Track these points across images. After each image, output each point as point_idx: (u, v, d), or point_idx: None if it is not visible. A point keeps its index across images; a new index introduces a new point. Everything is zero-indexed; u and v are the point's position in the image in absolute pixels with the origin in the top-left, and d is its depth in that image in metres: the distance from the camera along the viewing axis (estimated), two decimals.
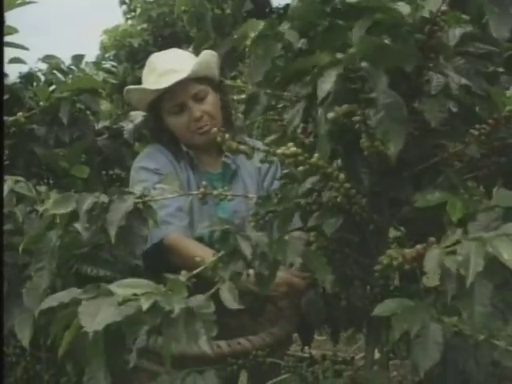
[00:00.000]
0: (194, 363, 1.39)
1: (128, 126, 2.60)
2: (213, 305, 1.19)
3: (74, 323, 1.13)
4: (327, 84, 1.22)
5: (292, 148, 1.34)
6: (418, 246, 1.15)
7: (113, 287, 1.17)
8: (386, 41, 1.26)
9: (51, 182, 2.51)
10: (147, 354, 1.39)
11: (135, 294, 1.14)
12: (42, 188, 1.77)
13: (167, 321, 1.14)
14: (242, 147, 1.41)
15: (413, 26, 1.26)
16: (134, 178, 2.17)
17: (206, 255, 1.36)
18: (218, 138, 1.41)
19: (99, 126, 2.66)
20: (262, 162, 1.40)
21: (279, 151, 1.34)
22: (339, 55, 1.25)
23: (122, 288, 1.16)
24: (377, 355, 1.49)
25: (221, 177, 2.22)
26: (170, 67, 2.17)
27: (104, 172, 2.71)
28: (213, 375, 1.36)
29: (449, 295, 1.06)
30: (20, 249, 1.49)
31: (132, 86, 2.27)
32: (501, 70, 1.42)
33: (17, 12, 2.32)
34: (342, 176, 1.35)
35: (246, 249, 1.27)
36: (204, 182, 1.52)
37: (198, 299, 1.19)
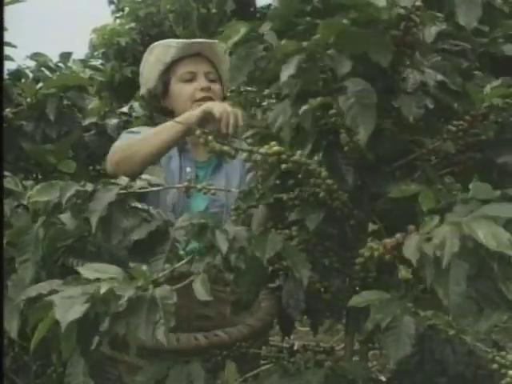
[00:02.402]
0: (171, 356, 1.40)
1: (112, 122, 2.64)
2: (175, 296, 1.20)
3: (48, 315, 1.14)
4: (289, 70, 1.23)
5: (275, 147, 1.35)
6: (398, 235, 1.17)
7: (81, 269, 1.20)
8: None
9: (39, 176, 2.53)
10: (126, 347, 1.42)
11: (98, 279, 1.16)
12: (29, 183, 1.79)
13: (130, 308, 1.16)
14: (225, 148, 1.42)
15: (389, 23, 1.27)
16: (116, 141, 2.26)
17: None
18: (201, 140, 1.42)
19: (86, 122, 2.69)
20: (245, 161, 1.42)
21: (262, 150, 1.36)
22: (304, 43, 1.24)
23: (90, 271, 1.19)
24: (358, 346, 1.52)
25: (205, 166, 2.27)
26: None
27: (91, 167, 2.73)
28: (199, 366, 1.38)
29: (428, 279, 1.07)
30: (4, 241, 1.51)
31: (158, 42, 2.38)
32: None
33: (6, 10, 2.34)
34: (324, 173, 1.36)
35: (223, 243, 1.28)
36: (188, 177, 1.54)
37: (163, 289, 1.21)
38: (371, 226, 1.43)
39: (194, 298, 1.78)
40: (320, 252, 1.46)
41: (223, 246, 1.28)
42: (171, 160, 2.24)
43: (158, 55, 2.29)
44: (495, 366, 1.07)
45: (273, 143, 1.37)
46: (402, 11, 1.27)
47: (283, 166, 1.37)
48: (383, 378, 2.01)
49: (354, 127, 1.23)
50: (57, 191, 1.39)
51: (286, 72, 1.23)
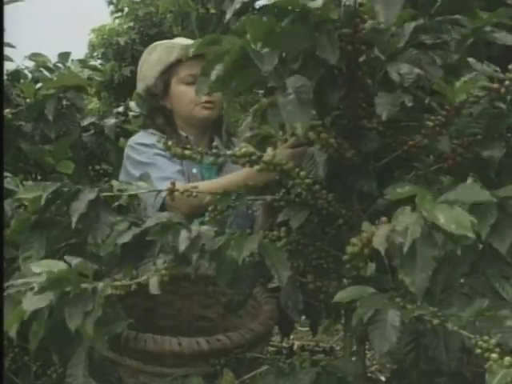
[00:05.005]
0: (173, 360, 1.40)
1: (109, 122, 2.64)
2: (109, 289, 1.26)
3: (18, 308, 1.23)
4: (218, 69, 1.25)
5: (243, 149, 1.36)
6: (373, 228, 1.17)
7: (32, 265, 1.29)
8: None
9: (39, 177, 2.53)
10: (128, 351, 1.41)
11: (41, 272, 1.25)
12: (29, 183, 1.79)
13: (73, 298, 1.23)
14: (187, 152, 1.43)
15: (338, 22, 1.27)
16: (130, 153, 2.23)
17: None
18: (162, 146, 1.44)
19: (85, 122, 2.68)
20: (212, 164, 1.42)
21: (229, 153, 1.37)
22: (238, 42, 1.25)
23: (38, 266, 1.28)
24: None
25: (210, 166, 2.28)
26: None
27: (90, 167, 2.73)
28: (199, 378, 1.38)
29: (398, 267, 1.08)
30: (9, 232, 1.52)
31: (160, 42, 2.36)
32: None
33: (4, 11, 2.34)
34: (302, 172, 1.37)
35: (182, 242, 1.30)
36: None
37: (105, 282, 1.27)
38: None
39: (196, 299, 1.79)
40: (312, 252, 1.46)
41: (181, 245, 1.30)
42: (180, 161, 2.24)
43: (160, 55, 2.30)
44: (478, 350, 1.06)
45: (242, 144, 1.38)
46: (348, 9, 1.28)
47: (256, 167, 1.37)
48: (383, 378, 2.03)
49: (291, 122, 1.23)
50: (39, 190, 1.43)
51: (215, 71, 1.26)
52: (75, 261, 1.31)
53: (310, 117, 1.23)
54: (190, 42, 2.31)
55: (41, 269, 1.26)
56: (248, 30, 1.21)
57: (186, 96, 2.26)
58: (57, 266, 1.27)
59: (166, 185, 1.82)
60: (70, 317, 1.21)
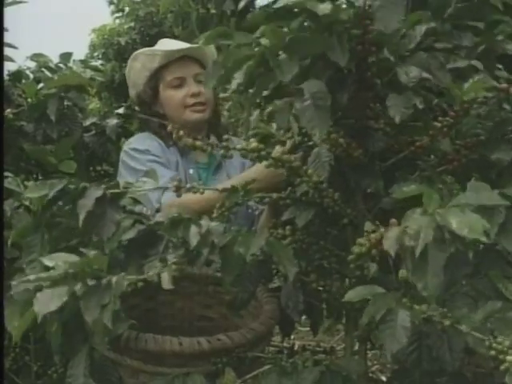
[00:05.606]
0: (173, 360, 1.40)
1: (111, 123, 2.64)
2: (125, 283, 1.24)
3: (29, 310, 1.20)
4: (238, 77, 1.25)
5: (253, 144, 1.36)
6: (382, 229, 1.17)
7: (44, 259, 1.29)
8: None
9: (40, 177, 2.53)
10: (129, 351, 1.41)
11: (56, 265, 1.24)
12: (30, 183, 1.79)
13: (87, 291, 1.22)
14: (198, 143, 1.43)
15: (348, 23, 1.27)
16: (125, 159, 2.24)
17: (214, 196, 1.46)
18: (174, 135, 1.43)
19: (87, 122, 2.69)
20: (223, 156, 1.43)
21: (239, 146, 1.37)
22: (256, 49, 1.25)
23: (50, 260, 1.28)
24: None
25: (207, 167, 2.29)
26: (179, 44, 2.33)
27: (91, 168, 2.73)
28: (200, 377, 1.38)
29: (407, 270, 1.08)
30: (9, 242, 1.51)
31: (142, 50, 2.37)
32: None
33: (6, 11, 2.34)
34: (310, 170, 1.37)
35: (193, 237, 1.31)
36: (192, 179, 1.52)
37: (119, 276, 1.25)
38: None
39: (197, 299, 1.79)
40: (315, 252, 1.47)
41: (193, 239, 1.30)
42: (176, 163, 2.25)
43: (143, 62, 2.30)
44: (493, 352, 1.06)
45: (251, 140, 1.38)
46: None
47: (264, 163, 1.38)
48: (384, 378, 2.03)
49: (309, 128, 1.24)
50: (46, 189, 1.42)
51: (236, 80, 1.26)
52: (91, 253, 1.31)
53: (328, 123, 1.24)
54: (171, 45, 2.31)
55: (54, 262, 1.25)
56: (267, 37, 1.22)
57: (174, 100, 2.27)
58: (71, 258, 1.27)
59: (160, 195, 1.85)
60: (86, 309, 1.20)
